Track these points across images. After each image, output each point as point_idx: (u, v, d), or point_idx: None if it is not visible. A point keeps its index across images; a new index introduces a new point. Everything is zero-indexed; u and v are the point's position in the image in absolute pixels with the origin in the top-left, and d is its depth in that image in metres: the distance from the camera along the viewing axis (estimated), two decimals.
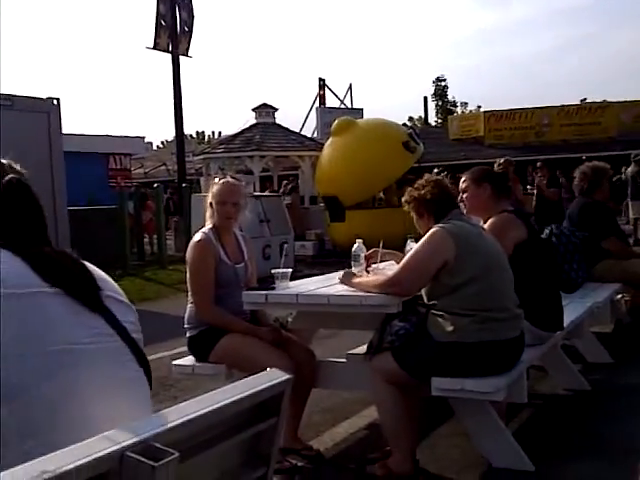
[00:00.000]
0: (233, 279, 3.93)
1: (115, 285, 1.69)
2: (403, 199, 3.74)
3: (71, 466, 0.97)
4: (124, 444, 1.04)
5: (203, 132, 58.05)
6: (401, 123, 20.60)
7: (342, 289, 3.76)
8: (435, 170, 4.01)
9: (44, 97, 10.66)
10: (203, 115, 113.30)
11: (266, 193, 16.84)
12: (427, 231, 3.50)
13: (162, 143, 50.03)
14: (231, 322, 3.83)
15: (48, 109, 10.55)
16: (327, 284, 3.95)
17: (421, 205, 3.61)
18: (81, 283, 1.56)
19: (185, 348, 4.04)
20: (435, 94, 49.66)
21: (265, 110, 20.71)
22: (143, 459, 1.03)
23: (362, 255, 3.89)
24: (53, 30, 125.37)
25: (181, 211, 17.27)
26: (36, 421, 1.32)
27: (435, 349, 3.33)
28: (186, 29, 20.44)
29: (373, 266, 3.85)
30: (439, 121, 46.62)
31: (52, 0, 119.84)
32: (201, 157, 21.53)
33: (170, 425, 1.14)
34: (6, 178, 1.69)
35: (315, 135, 26.00)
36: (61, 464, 0.97)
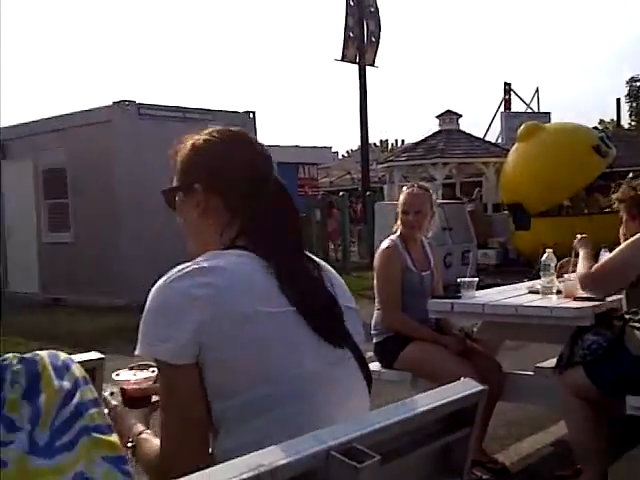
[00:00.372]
0: (419, 287, 3.96)
1: (345, 287, 1.66)
2: (615, 196, 3.56)
3: (283, 461, 1.05)
4: (330, 444, 1.10)
5: (386, 140, 58.49)
6: (591, 127, 19.61)
7: (532, 299, 3.68)
8: (630, 175, 3.80)
9: (241, 110, 11.30)
10: (387, 123, 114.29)
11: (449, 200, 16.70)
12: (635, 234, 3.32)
13: (347, 152, 51.00)
14: (417, 330, 3.86)
15: (244, 122, 11.17)
16: (515, 294, 3.88)
17: (636, 206, 3.44)
18: (324, 303, 1.54)
19: (370, 353, 4.13)
20: (629, 95, 46.73)
21: (449, 117, 20.55)
22: (347, 460, 1.08)
23: (552, 265, 3.78)
24: (250, 47, 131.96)
25: (365, 219, 17.56)
26: (273, 437, 1.32)
27: (632, 364, 3.16)
28: (373, 40, 20.79)
29: (565, 276, 3.74)
30: (632, 124, 43.85)
31: (248, 21, 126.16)
32: (384, 165, 21.74)
33: (372, 428, 1.18)
34: (273, 177, 1.64)
35: (500, 141, 25.40)
36: (274, 459, 1.05)
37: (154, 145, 10.17)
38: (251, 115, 11.34)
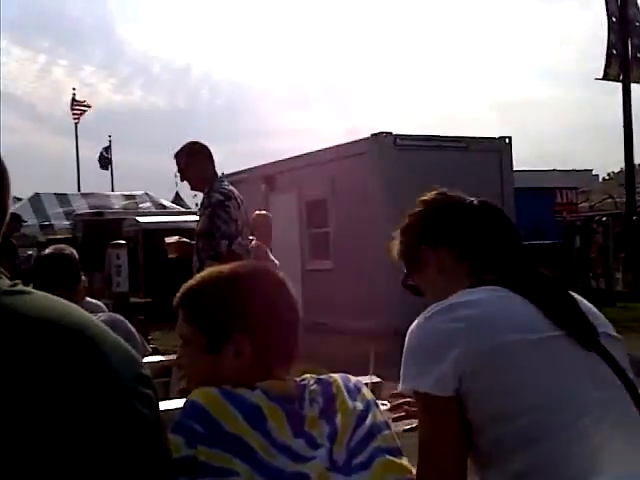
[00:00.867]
0: None
1: (601, 316, 1.63)
2: None
3: None
4: None
5: None
6: None
7: None
8: None
9: (496, 137, 11.16)
10: None
11: None
12: None
13: (609, 175, 47.99)
14: None
15: (500, 148, 11.01)
16: None
17: None
18: (581, 324, 1.52)
19: None
20: None
21: None
22: None
23: None
24: (499, 71, 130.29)
25: (630, 245, 16.41)
26: (548, 464, 1.36)
27: None
28: (638, 55, 19.53)
29: None
30: None
31: (486, 46, 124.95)
32: None
33: None
34: (474, 200, 1.73)
35: None
36: None
37: (410, 174, 10.39)
38: (507, 140, 11.12)
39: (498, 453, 1.42)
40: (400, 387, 1.51)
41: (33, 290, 0.90)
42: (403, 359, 1.50)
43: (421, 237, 1.74)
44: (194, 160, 4.66)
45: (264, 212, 7.79)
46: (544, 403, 1.40)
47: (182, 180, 4.77)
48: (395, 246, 1.84)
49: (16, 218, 10.29)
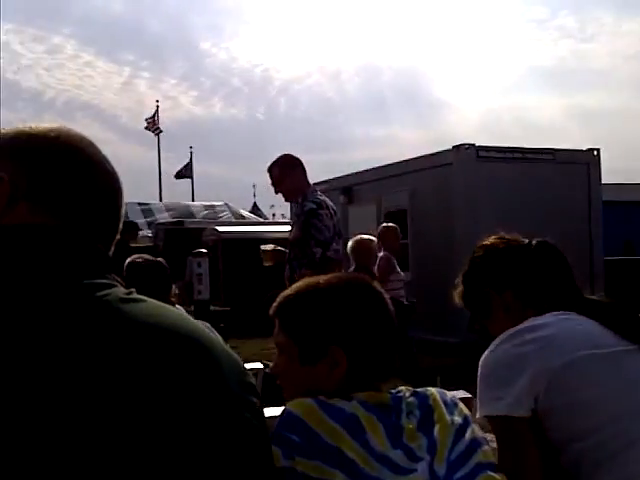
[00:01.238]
0: None
1: None
2: None
3: None
4: None
5: None
6: None
7: None
8: None
9: (584, 148, 10.87)
10: None
11: None
12: None
13: None
14: None
15: (588, 160, 10.71)
16: None
17: None
18: None
19: None
20: None
21: None
22: None
23: None
24: (583, 83, 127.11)
25: None
26: (635, 473, 1.39)
27: None
28: None
29: None
30: None
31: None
32: None
33: None
34: (533, 241, 1.82)
35: None
36: None
37: (492, 187, 10.23)
38: (595, 152, 10.78)
39: (582, 469, 1.44)
40: (477, 414, 1.56)
41: (147, 298, 0.92)
42: (478, 387, 1.58)
43: (486, 282, 1.81)
44: (288, 172, 4.69)
45: (392, 224, 7.86)
46: (625, 412, 1.43)
47: (276, 192, 4.80)
48: (459, 293, 1.92)
49: (133, 226, 10.42)
